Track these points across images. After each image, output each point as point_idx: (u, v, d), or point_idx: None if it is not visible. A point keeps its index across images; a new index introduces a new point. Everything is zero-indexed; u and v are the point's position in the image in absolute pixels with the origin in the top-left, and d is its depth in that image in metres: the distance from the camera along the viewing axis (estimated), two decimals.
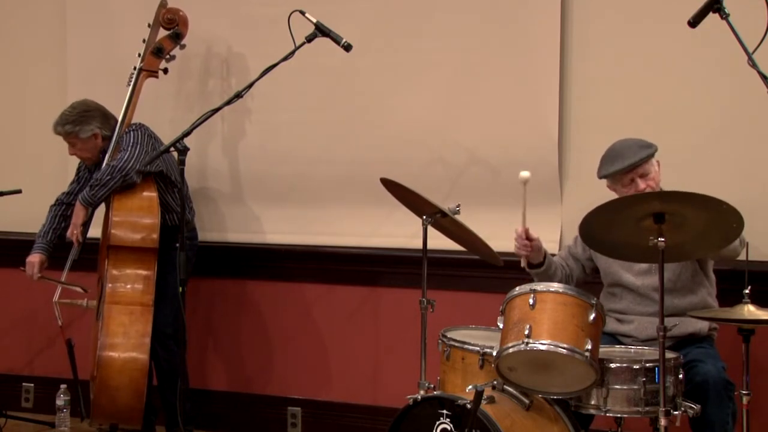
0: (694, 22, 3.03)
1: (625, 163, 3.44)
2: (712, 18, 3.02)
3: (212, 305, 4.85)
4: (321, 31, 3.84)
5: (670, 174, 3.57)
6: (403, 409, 3.25)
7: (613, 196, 3.45)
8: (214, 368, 4.86)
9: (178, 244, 3.70)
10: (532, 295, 3.16)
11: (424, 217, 3.58)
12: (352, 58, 4.02)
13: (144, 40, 4.47)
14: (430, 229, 3.62)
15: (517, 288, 3.24)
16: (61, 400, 4.59)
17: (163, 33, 4.50)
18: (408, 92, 4.37)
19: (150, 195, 4.26)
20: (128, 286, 4.24)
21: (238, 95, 3.80)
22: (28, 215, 4.77)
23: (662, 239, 2.97)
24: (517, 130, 4.18)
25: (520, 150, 4.16)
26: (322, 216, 4.59)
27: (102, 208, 4.33)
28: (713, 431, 3.27)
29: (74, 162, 4.57)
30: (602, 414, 3.18)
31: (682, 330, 3.44)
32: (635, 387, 3.11)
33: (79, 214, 4.23)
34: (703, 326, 3.51)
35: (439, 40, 4.30)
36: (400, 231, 4.30)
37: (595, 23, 4.09)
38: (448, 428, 3.14)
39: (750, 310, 3.14)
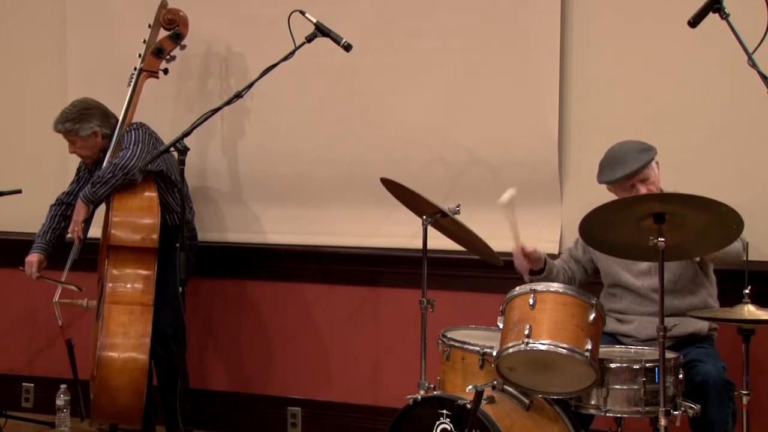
0: (694, 22, 3.03)
1: (626, 170, 3.43)
2: (712, 18, 3.01)
3: (212, 305, 4.84)
4: (321, 31, 3.84)
5: (670, 174, 3.57)
6: (403, 409, 3.25)
7: (613, 196, 3.45)
8: (214, 368, 4.86)
9: (178, 244, 3.69)
10: (532, 295, 3.15)
11: (424, 217, 3.57)
12: (352, 58, 4.02)
13: (144, 41, 4.47)
14: (430, 229, 3.62)
15: (517, 288, 3.24)
16: (61, 400, 4.59)
17: (163, 33, 4.49)
18: (408, 92, 4.37)
19: (150, 195, 4.26)
20: (128, 286, 4.24)
21: (238, 95, 3.80)
22: (28, 215, 4.77)
23: (662, 239, 2.96)
24: (517, 130, 4.18)
25: (520, 150, 4.16)
26: (322, 216, 4.58)
27: (102, 208, 4.33)
28: (713, 431, 3.27)
29: (74, 162, 4.57)
30: (602, 414, 3.17)
31: (682, 330, 3.44)
32: (635, 387, 3.11)
33: (80, 211, 4.24)
34: (703, 326, 3.50)
35: (439, 40, 4.30)
36: (400, 231, 4.30)
37: (595, 23, 4.09)
38: (448, 428, 3.14)
39: (750, 310, 3.14)
